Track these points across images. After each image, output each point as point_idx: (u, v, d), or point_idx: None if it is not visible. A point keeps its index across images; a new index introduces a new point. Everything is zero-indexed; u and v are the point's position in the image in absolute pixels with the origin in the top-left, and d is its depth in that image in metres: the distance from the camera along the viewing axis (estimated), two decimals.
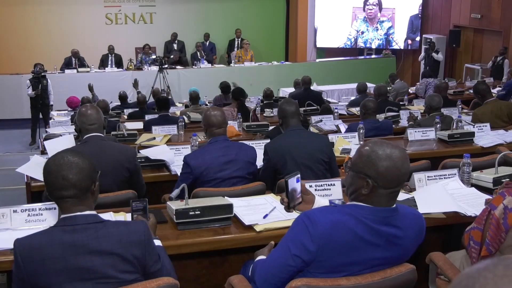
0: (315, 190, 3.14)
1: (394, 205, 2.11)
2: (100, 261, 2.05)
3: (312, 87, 9.13)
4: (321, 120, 6.11)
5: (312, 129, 5.53)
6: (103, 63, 12.45)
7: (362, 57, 14.10)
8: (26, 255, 2.02)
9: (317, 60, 14.29)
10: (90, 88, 8.56)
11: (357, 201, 2.10)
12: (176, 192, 2.99)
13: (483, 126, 5.36)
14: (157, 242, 2.39)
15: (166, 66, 11.52)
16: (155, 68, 11.63)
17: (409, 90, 10.54)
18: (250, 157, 3.79)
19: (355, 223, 2.04)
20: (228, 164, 3.66)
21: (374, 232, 2.06)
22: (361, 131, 5.03)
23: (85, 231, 2.05)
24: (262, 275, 2.18)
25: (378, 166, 2.03)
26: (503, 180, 3.40)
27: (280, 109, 3.99)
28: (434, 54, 11.56)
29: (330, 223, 2.02)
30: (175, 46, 13.63)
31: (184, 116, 6.68)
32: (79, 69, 11.84)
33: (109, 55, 12.47)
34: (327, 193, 3.21)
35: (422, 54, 12.15)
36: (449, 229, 3.23)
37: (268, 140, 4.75)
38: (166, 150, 4.46)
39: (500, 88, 9.12)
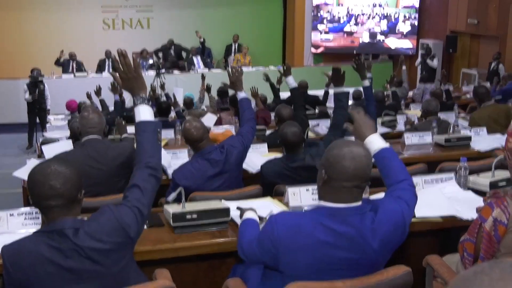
0: (312, 193, 3.15)
1: (359, 203, 2.13)
2: (90, 261, 2.05)
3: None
4: (318, 124, 6.12)
5: (310, 133, 5.54)
6: (100, 68, 12.45)
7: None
8: (15, 260, 2.02)
9: (313, 65, 14.33)
10: (89, 96, 8.54)
11: (322, 200, 2.16)
12: (172, 195, 2.99)
13: (479, 130, 5.37)
14: None
15: (163, 71, 11.55)
16: (152, 72, 11.67)
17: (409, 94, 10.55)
18: (237, 157, 3.75)
19: (313, 226, 2.08)
20: (217, 176, 3.66)
21: (333, 233, 2.08)
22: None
23: (73, 234, 2.04)
24: (246, 250, 2.32)
25: (330, 155, 2.12)
26: (500, 184, 3.43)
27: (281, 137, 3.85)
28: (429, 61, 11.62)
29: (288, 226, 2.10)
30: (172, 52, 13.64)
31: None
32: (76, 74, 11.86)
33: (106, 60, 12.47)
34: None
35: (419, 59, 12.19)
36: (446, 233, 3.24)
37: (265, 145, 4.77)
38: (163, 154, 4.44)
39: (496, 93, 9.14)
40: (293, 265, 2.11)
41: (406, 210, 2.24)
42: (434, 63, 11.67)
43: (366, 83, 5.55)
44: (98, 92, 8.03)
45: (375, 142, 2.48)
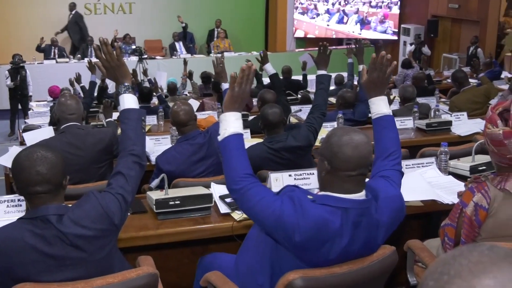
0: (295, 179, 3.16)
1: (363, 192, 2.09)
2: (74, 248, 2.05)
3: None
4: (300, 110, 6.13)
5: (292, 118, 5.55)
6: (83, 53, 12.36)
7: (341, 47, 14.15)
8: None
9: (297, 50, 14.32)
10: (71, 83, 8.48)
11: (328, 191, 2.10)
12: (156, 182, 2.99)
13: (460, 115, 5.43)
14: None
15: (145, 56, 11.50)
16: (134, 58, 11.62)
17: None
18: None
19: (338, 223, 2.02)
20: (201, 161, 3.67)
21: (351, 229, 2.04)
22: (340, 120, 5.06)
23: (57, 220, 2.04)
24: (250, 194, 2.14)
25: (333, 146, 2.05)
26: (480, 168, 3.48)
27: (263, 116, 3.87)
28: (424, 49, 11.75)
29: (315, 220, 2.00)
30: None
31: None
32: (58, 60, 11.79)
33: (89, 46, 12.38)
34: (306, 182, 3.23)
35: (412, 47, 12.16)
36: (427, 217, 3.29)
37: (248, 131, 4.78)
38: (146, 141, 4.43)
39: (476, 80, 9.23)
40: (307, 252, 2.07)
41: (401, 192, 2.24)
42: (426, 50, 11.78)
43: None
44: (78, 79, 7.98)
45: (379, 106, 2.42)
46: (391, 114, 2.44)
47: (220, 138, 2.25)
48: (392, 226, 2.17)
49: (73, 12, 12.97)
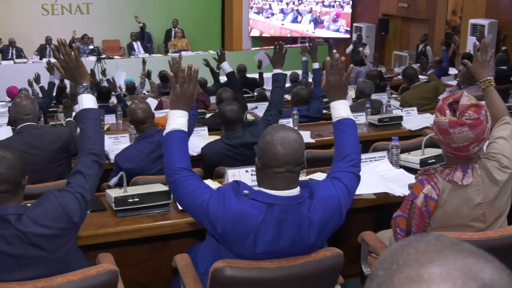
0: (251, 175, 3.21)
1: (297, 189, 2.14)
2: (33, 247, 2.05)
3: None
4: (256, 107, 6.19)
5: (248, 115, 5.61)
6: (41, 53, 12.16)
7: (296, 45, 14.28)
8: None
9: (253, 49, 14.38)
10: (30, 83, 8.36)
11: (262, 187, 2.16)
12: (114, 180, 3.00)
13: (410, 110, 5.55)
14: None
15: (104, 56, 11.43)
16: (93, 58, 11.52)
17: None
18: None
19: (257, 215, 2.08)
20: (160, 159, 3.67)
21: (276, 223, 2.09)
22: (295, 117, 5.15)
23: (16, 220, 2.04)
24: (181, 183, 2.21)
25: (261, 142, 2.12)
26: (430, 161, 3.57)
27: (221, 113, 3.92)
28: (360, 49, 11.92)
29: (234, 213, 2.07)
30: None
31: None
32: (16, 60, 11.64)
33: (47, 46, 12.21)
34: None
35: (351, 47, 12.42)
36: (380, 209, 3.35)
37: (206, 128, 4.81)
38: (105, 139, 4.41)
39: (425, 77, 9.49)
40: (234, 245, 2.13)
41: (345, 195, 2.22)
42: (366, 51, 11.97)
43: (316, 65, 5.69)
44: (36, 79, 7.89)
45: (338, 110, 2.44)
46: (350, 117, 2.45)
47: (164, 133, 2.33)
48: (327, 227, 2.18)
49: None
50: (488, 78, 2.81)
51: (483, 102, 2.37)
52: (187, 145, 2.33)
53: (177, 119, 2.33)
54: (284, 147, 2.07)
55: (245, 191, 2.13)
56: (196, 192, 2.16)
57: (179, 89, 2.34)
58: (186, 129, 2.35)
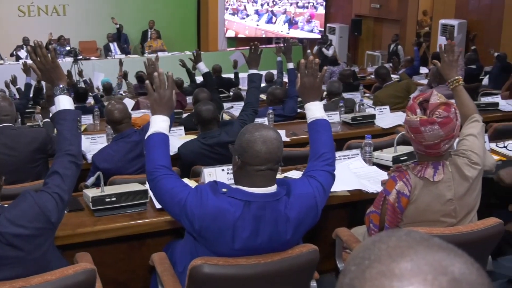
0: (228, 173, 3.24)
1: (274, 186, 2.17)
2: (11, 247, 2.05)
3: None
4: (232, 107, 6.22)
5: (225, 115, 5.64)
6: (18, 55, 12.07)
7: (271, 45, 14.33)
8: None
9: (228, 49, 14.40)
10: (7, 85, 8.30)
11: (239, 185, 2.19)
12: (91, 180, 3.00)
13: (383, 108, 5.61)
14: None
15: (80, 57, 11.36)
16: (69, 59, 11.43)
17: None
18: None
19: (234, 212, 2.11)
20: (137, 159, 3.70)
21: (253, 220, 2.12)
22: (270, 116, 5.19)
23: None
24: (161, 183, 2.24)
25: (242, 140, 2.14)
26: (402, 158, 3.62)
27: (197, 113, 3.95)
28: (324, 50, 12.04)
29: (211, 210, 2.11)
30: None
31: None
32: None
33: (24, 47, 12.08)
34: None
35: (316, 47, 12.54)
36: (354, 206, 3.38)
37: (182, 128, 4.83)
38: (82, 140, 4.39)
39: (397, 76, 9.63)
40: (212, 243, 2.15)
41: (320, 193, 2.26)
42: (330, 51, 12.09)
43: (291, 65, 5.74)
44: (13, 81, 7.88)
45: (312, 111, 2.48)
46: (325, 118, 2.49)
47: (145, 136, 2.37)
48: (304, 223, 2.22)
49: None
50: (456, 78, 2.87)
51: (452, 101, 2.43)
52: (168, 147, 2.36)
53: (159, 123, 2.37)
54: (267, 145, 2.11)
55: (223, 190, 2.16)
56: (174, 190, 2.19)
57: (156, 95, 2.37)
58: (167, 133, 2.38)
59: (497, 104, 5.76)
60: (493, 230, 2.37)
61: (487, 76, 8.62)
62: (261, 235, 2.15)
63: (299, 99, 5.79)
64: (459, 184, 2.43)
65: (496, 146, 3.97)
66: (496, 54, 8.72)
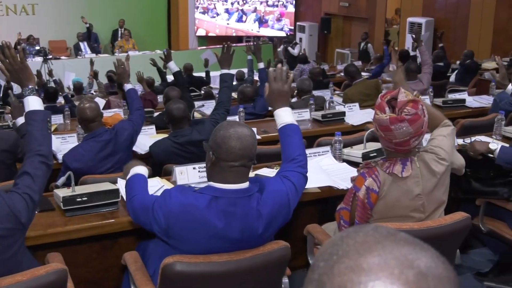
0: (199, 171, 3.24)
1: (247, 183, 2.20)
2: None
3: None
4: (203, 105, 6.21)
5: (196, 114, 5.64)
6: None
7: (241, 44, 14.35)
8: None
9: (199, 48, 14.38)
10: None
11: (212, 181, 2.21)
12: (62, 179, 2.98)
13: (353, 106, 5.67)
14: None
15: (50, 57, 11.22)
16: (39, 58, 11.26)
17: None
18: (127, 138, 3.83)
19: (205, 207, 2.13)
20: (108, 158, 3.69)
21: (224, 216, 2.14)
22: (241, 114, 5.21)
23: None
24: (137, 211, 2.38)
25: (216, 137, 2.17)
26: (371, 155, 3.65)
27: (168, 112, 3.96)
28: (289, 48, 12.13)
29: (182, 204, 2.14)
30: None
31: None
32: None
33: None
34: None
35: (282, 46, 12.63)
36: (324, 202, 3.41)
37: (153, 127, 4.82)
38: (52, 139, 4.35)
39: (367, 73, 9.74)
40: (182, 242, 2.17)
41: (293, 192, 2.28)
42: (295, 51, 12.18)
43: (261, 65, 5.77)
44: None
45: (282, 117, 2.50)
46: (295, 122, 2.52)
47: (126, 177, 2.68)
48: (276, 220, 2.24)
49: None
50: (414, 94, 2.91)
51: (421, 97, 2.47)
52: (146, 184, 2.56)
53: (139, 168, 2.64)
54: (241, 141, 2.13)
55: (195, 188, 2.19)
56: (144, 202, 2.31)
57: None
58: (146, 175, 2.64)
59: (464, 100, 5.87)
60: (461, 224, 2.41)
61: (455, 73, 8.78)
62: (233, 231, 2.16)
63: None
64: (427, 180, 2.47)
65: (463, 141, 4.05)
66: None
